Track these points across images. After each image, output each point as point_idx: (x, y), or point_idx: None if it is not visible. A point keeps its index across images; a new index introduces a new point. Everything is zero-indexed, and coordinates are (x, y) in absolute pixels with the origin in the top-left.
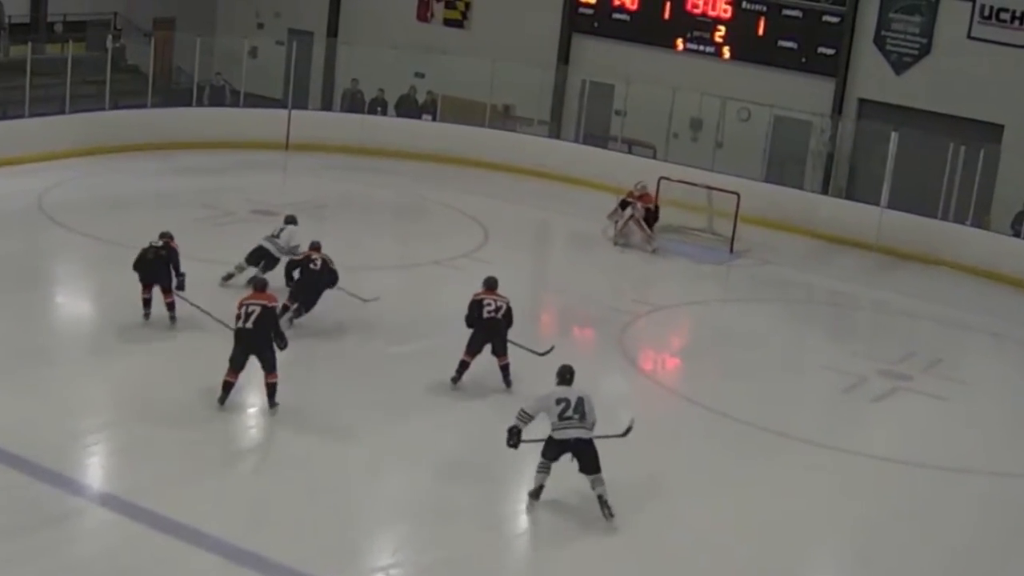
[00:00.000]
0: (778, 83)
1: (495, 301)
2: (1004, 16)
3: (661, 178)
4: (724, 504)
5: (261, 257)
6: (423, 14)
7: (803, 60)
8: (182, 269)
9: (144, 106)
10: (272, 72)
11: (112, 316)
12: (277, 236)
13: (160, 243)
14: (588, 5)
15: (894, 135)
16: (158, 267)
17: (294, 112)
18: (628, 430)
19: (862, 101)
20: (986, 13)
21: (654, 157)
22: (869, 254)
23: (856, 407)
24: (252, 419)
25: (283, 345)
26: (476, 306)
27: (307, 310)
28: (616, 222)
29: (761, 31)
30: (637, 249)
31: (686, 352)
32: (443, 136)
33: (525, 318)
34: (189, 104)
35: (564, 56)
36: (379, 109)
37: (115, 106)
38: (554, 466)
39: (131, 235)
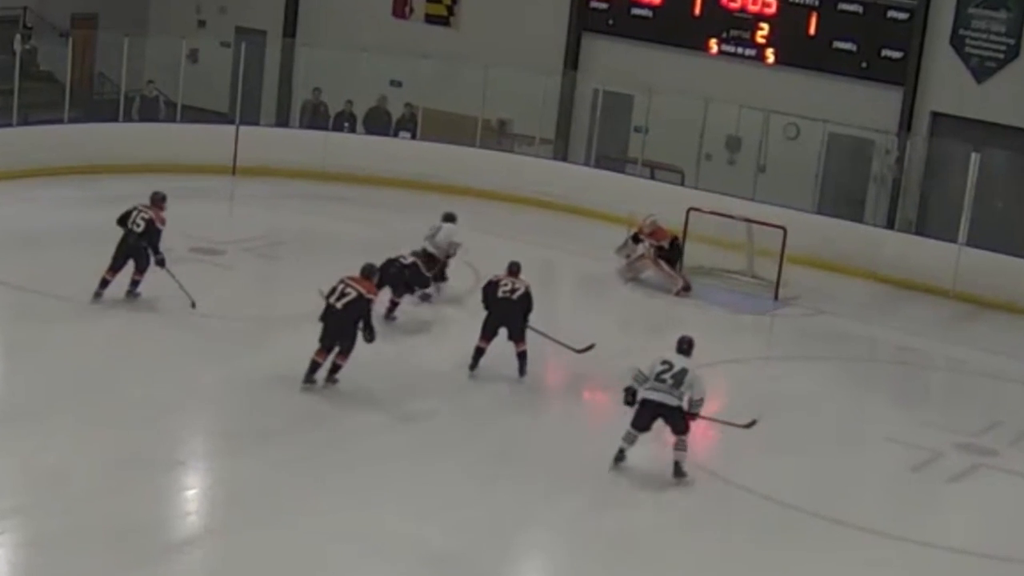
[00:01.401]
0: (833, 93)
1: (512, 283)
2: None
3: (690, 209)
4: None
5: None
6: (400, 9)
7: (864, 65)
8: (161, 249)
9: (60, 121)
10: (216, 80)
11: (25, 377)
12: (434, 236)
13: (142, 225)
14: None
15: (975, 156)
16: (136, 252)
17: (243, 129)
18: (753, 423)
19: (936, 115)
20: None
21: (682, 184)
22: (945, 302)
23: (929, 488)
24: (191, 502)
25: (370, 338)
26: (491, 286)
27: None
28: (627, 256)
29: (813, 30)
30: (660, 290)
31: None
32: (424, 158)
33: (529, 375)
34: (115, 119)
35: (572, 61)
36: (346, 125)
37: (25, 121)
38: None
39: (46, 279)
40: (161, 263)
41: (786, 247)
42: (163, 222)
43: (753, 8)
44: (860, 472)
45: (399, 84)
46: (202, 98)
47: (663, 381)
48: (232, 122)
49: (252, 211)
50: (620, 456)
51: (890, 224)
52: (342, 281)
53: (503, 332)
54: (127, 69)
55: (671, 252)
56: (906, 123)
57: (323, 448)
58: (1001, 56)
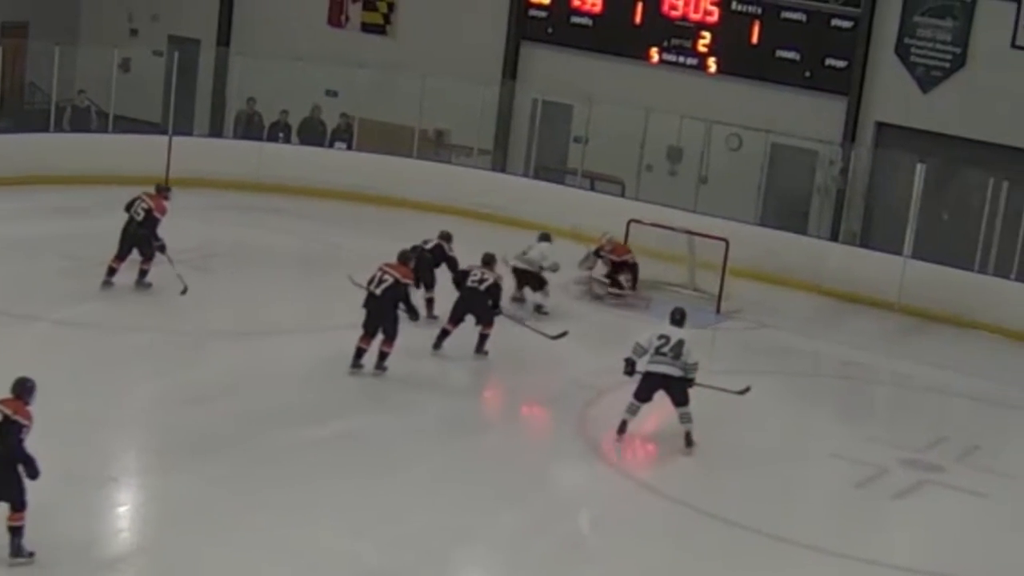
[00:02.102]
0: (777, 103)
1: (482, 273)
2: None
3: (631, 221)
4: None
5: (523, 282)
6: (336, 18)
7: (807, 75)
8: (160, 235)
9: None
10: (149, 90)
11: None
12: (525, 253)
13: (142, 214)
14: (541, 7)
15: (920, 167)
16: (138, 240)
17: (176, 139)
18: (746, 389)
19: (881, 125)
20: None
21: (622, 195)
22: (889, 315)
23: (873, 505)
24: (123, 519)
25: (413, 317)
26: (463, 275)
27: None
28: (589, 269)
29: (755, 39)
30: (627, 307)
31: (662, 437)
32: (360, 169)
33: (466, 392)
34: (46, 129)
35: (511, 70)
36: (281, 135)
37: None
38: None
39: None
40: (161, 249)
41: (728, 260)
42: (164, 212)
43: (695, 17)
44: (804, 488)
45: (335, 94)
46: (134, 108)
47: (663, 354)
48: (165, 132)
49: (185, 222)
50: (623, 428)
51: (834, 236)
52: (380, 268)
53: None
54: (58, 79)
55: (627, 269)
56: (850, 133)
57: (258, 464)
58: (947, 65)
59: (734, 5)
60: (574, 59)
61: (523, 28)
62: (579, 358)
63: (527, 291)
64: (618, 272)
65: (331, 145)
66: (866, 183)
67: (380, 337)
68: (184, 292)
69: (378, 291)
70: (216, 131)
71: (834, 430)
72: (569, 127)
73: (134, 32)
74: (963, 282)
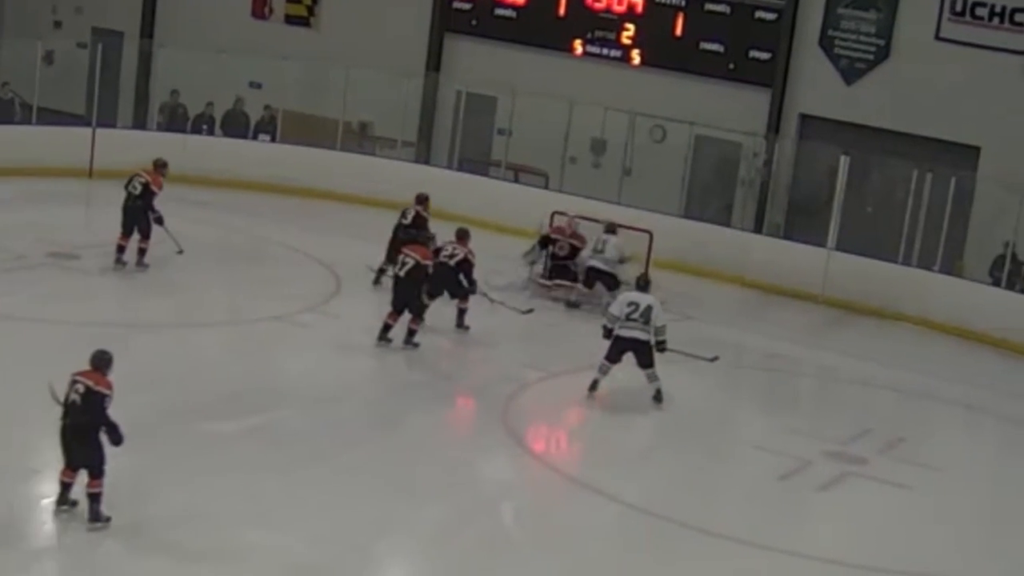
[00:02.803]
0: (700, 95)
1: (452, 248)
2: (980, 12)
3: (554, 212)
4: None
5: (595, 280)
6: (259, 10)
7: (731, 67)
8: (157, 208)
9: None
10: (72, 82)
11: None
12: (602, 251)
13: (139, 188)
14: None
15: (844, 159)
16: (137, 214)
17: (100, 131)
18: (715, 358)
19: (804, 117)
20: (958, 8)
21: (546, 187)
22: (813, 307)
23: (797, 497)
24: (46, 512)
25: (430, 297)
26: (436, 252)
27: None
28: (532, 263)
29: (679, 31)
30: (556, 301)
31: (586, 429)
32: (284, 161)
33: (388, 385)
34: None
35: (435, 62)
36: (205, 127)
37: None
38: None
39: None
40: (159, 221)
41: (652, 252)
42: (160, 186)
43: (618, 9)
44: (728, 481)
45: (259, 86)
46: (58, 100)
47: (634, 320)
48: (89, 124)
49: (109, 215)
50: (594, 386)
51: (758, 228)
52: (401, 252)
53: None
54: None
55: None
56: (774, 125)
57: (182, 457)
58: (871, 57)
59: None
60: (498, 51)
61: (447, 20)
62: (506, 350)
63: (601, 289)
64: (559, 261)
65: (255, 137)
66: (790, 175)
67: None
68: (180, 252)
69: (402, 273)
70: (140, 123)
71: (758, 422)
72: (493, 119)
73: (58, 24)
74: (887, 274)
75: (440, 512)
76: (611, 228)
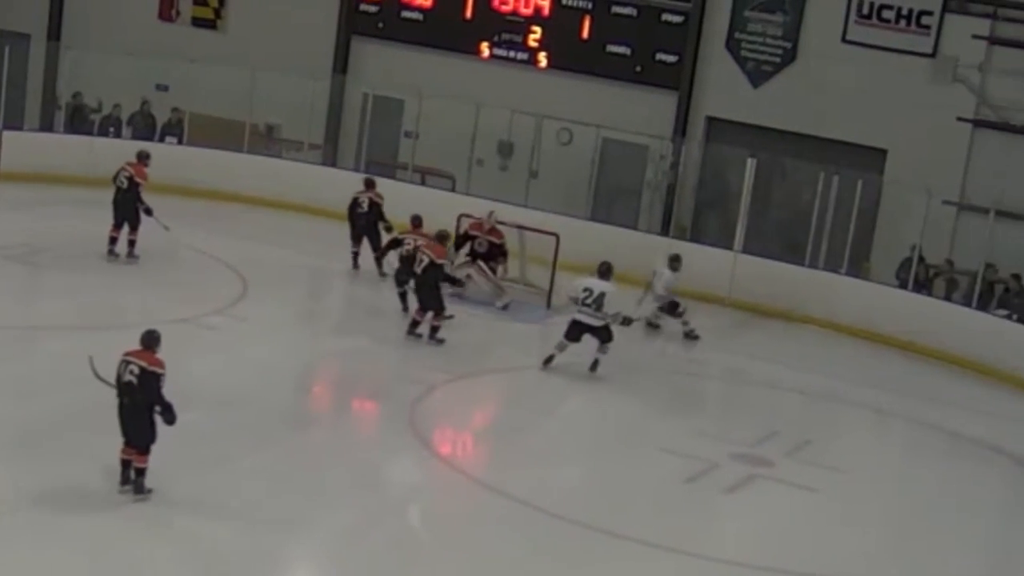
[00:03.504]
0: (607, 98)
1: (414, 240)
2: (887, 15)
3: (461, 215)
4: None
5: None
6: (166, 12)
7: (638, 69)
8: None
9: None
10: None
11: None
12: (658, 278)
13: (125, 182)
14: (371, 1)
15: (751, 162)
16: (126, 206)
17: (6, 133)
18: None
19: (711, 120)
20: (864, 11)
21: (453, 189)
22: (721, 310)
23: (703, 499)
24: None
25: (457, 285)
26: (396, 243)
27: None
28: (451, 263)
29: (586, 33)
30: (474, 304)
31: (492, 431)
32: (190, 163)
33: (295, 388)
34: None
35: (341, 65)
36: (112, 130)
37: None
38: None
39: None
40: (148, 212)
41: (559, 254)
42: (144, 177)
43: (525, 11)
44: (635, 483)
45: (165, 88)
46: None
47: (588, 305)
48: None
49: (15, 217)
50: (549, 360)
51: (665, 231)
52: (417, 248)
53: None
54: None
55: (494, 254)
56: (681, 128)
57: (88, 460)
58: (777, 60)
59: (564, 0)
60: (405, 54)
61: (353, 23)
62: (413, 352)
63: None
64: (493, 258)
65: (162, 139)
66: (696, 178)
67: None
68: (167, 229)
69: (418, 270)
70: (47, 125)
71: (665, 424)
72: (400, 122)
73: None
74: (794, 276)
75: (348, 515)
76: (674, 261)
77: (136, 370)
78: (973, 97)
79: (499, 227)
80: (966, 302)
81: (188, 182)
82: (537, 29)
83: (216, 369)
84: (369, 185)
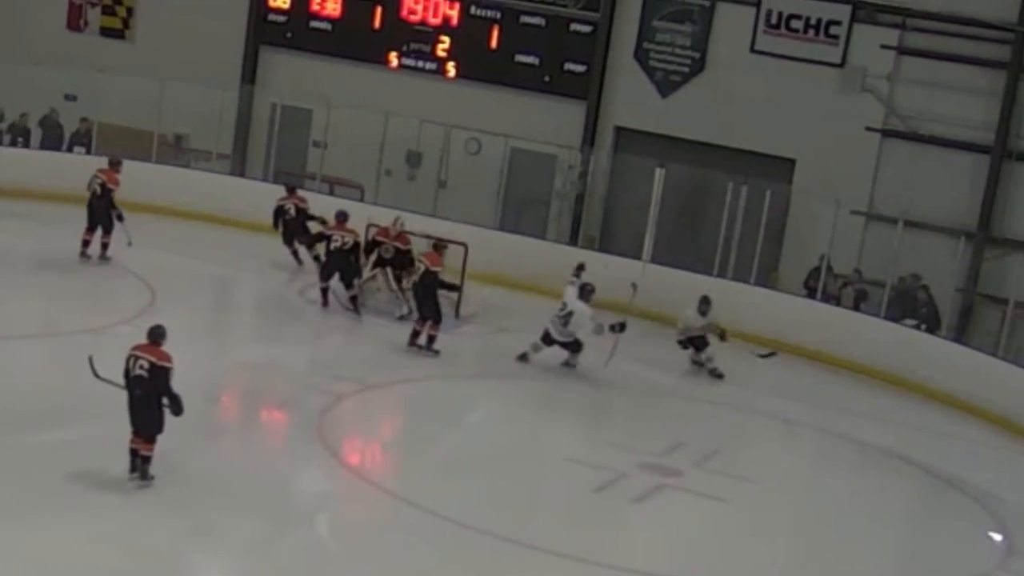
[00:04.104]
0: (516, 108)
1: (342, 237)
2: (795, 24)
3: (369, 225)
4: None
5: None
6: (74, 22)
7: (547, 79)
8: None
9: None
10: None
11: None
12: (689, 325)
13: (99, 188)
14: (279, 11)
15: (659, 172)
16: (99, 211)
17: None
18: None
19: (620, 130)
20: (773, 21)
21: (361, 199)
22: (629, 320)
23: (611, 509)
24: None
25: (453, 289)
26: (325, 238)
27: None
28: (361, 270)
29: (495, 43)
30: (377, 313)
31: (400, 441)
32: None
33: (202, 397)
34: None
35: (250, 75)
36: (20, 140)
37: None
38: None
39: None
40: (120, 218)
41: (468, 264)
42: (116, 183)
43: (434, 21)
44: (542, 493)
45: (74, 98)
46: None
47: (558, 320)
48: None
49: None
50: (524, 357)
51: (573, 241)
52: (419, 260)
53: None
54: None
55: (401, 261)
56: (590, 138)
57: None
58: (686, 70)
59: (473, 10)
60: (313, 64)
61: (262, 33)
62: (321, 362)
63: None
64: (400, 265)
65: (70, 149)
66: (605, 187)
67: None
68: (130, 244)
69: (416, 278)
70: None
71: (573, 435)
72: (308, 132)
73: None
74: (702, 286)
75: (256, 524)
76: (702, 306)
77: (146, 364)
78: (881, 107)
79: (406, 234)
80: (875, 312)
81: None
82: (445, 39)
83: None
84: (291, 191)
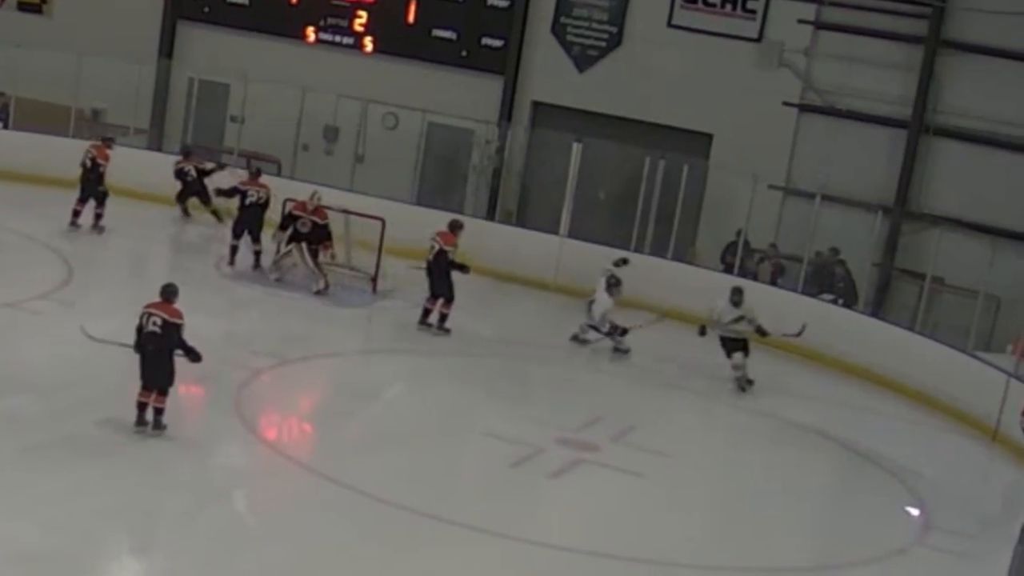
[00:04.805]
0: (433, 83)
1: (257, 192)
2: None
3: (286, 200)
4: None
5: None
6: None
7: (464, 54)
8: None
9: None
10: None
11: None
12: (722, 319)
13: (89, 162)
14: None
15: (577, 146)
16: (91, 184)
17: None
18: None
19: (537, 104)
20: None
21: (278, 174)
22: (547, 295)
23: (528, 484)
24: None
25: (464, 271)
26: (240, 193)
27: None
28: (279, 244)
29: (412, 18)
30: (294, 288)
31: (318, 417)
32: (16, 147)
33: (117, 372)
34: None
35: (167, 49)
36: None
37: None
38: None
39: None
40: (104, 194)
41: (385, 239)
42: (107, 159)
43: None
44: (460, 468)
45: None
46: None
47: (587, 304)
48: None
49: None
50: (574, 338)
51: (491, 215)
52: (431, 237)
53: None
54: None
55: (318, 236)
56: (507, 112)
57: None
58: (603, 44)
59: None
60: (230, 38)
61: (179, 7)
62: (236, 337)
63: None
64: (317, 240)
65: None
66: (522, 162)
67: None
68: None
69: (430, 258)
70: None
71: (489, 409)
72: (226, 106)
73: None
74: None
75: (173, 500)
76: (737, 293)
77: (159, 321)
78: (799, 82)
79: (323, 208)
80: (792, 287)
81: (13, 167)
82: (363, 14)
83: (43, 354)
84: (186, 155)
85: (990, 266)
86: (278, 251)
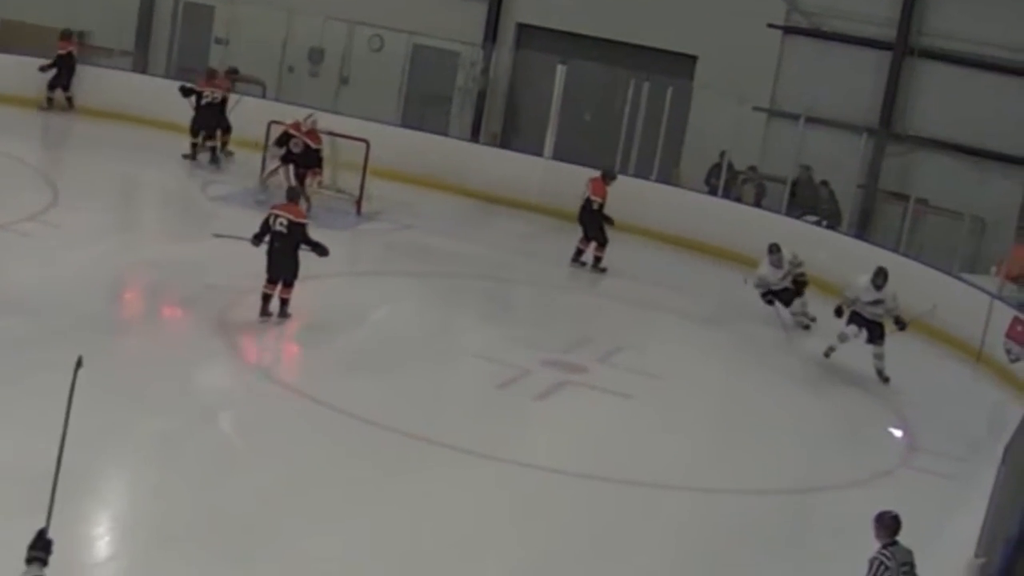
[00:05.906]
0: (419, 5)
1: (211, 92)
2: None
3: (271, 122)
4: (353, 529)
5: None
6: None
7: None
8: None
9: None
10: None
11: None
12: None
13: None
14: None
15: (561, 68)
16: (208, 119)
17: None
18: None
19: (522, 27)
20: None
21: (263, 96)
22: (532, 216)
23: (515, 406)
24: None
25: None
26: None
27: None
28: (266, 162)
29: None
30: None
31: (303, 338)
32: (1, 70)
33: (105, 294)
34: None
35: None
36: None
37: None
38: None
39: None
40: (228, 129)
41: (369, 160)
42: (228, 90)
43: None
44: (447, 390)
45: None
46: None
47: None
48: None
49: None
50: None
51: (475, 137)
52: (585, 183)
53: None
54: None
55: (308, 160)
56: (492, 34)
57: None
58: None
59: None
60: None
61: None
62: (222, 261)
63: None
64: (307, 164)
65: None
66: (507, 84)
67: None
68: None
69: (583, 202)
70: None
71: (476, 331)
72: (211, 28)
73: None
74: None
75: (161, 422)
76: (880, 274)
77: (285, 221)
78: (784, 3)
79: (317, 132)
80: (776, 208)
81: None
82: None
83: (30, 275)
84: (215, 76)
85: (979, 185)
86: (263, 169)
